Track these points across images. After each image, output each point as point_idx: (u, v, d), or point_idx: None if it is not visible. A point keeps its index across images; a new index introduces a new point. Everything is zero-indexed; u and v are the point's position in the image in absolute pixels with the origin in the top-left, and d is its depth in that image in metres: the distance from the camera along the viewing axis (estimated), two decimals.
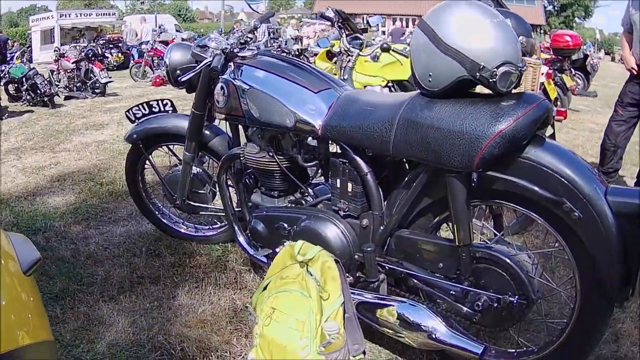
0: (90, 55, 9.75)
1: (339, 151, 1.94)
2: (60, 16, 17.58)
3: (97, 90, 9.57)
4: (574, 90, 8.07)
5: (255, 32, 2.46)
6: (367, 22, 5.49)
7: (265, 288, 1.88)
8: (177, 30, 21.15)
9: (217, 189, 2.50)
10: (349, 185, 1.89)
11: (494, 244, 1.80)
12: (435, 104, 1.66)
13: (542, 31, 31.24)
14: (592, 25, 50.60)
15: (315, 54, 4.57)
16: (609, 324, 2.24)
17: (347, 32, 3.62)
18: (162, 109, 2.76)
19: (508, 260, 1.69)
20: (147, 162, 2.90)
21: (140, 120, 2.80)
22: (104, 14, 19.22)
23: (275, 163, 2.10)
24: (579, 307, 1.69)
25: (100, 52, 14.29)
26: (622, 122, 4.05)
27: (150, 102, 2.79)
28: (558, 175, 1.54)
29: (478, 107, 1.58)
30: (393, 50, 3.72)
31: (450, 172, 1.64)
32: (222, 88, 2.19)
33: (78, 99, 9.35)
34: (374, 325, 1.91)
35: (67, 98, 9.34)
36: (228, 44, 2.20)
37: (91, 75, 9.62)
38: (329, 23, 3.75)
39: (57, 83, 9.64)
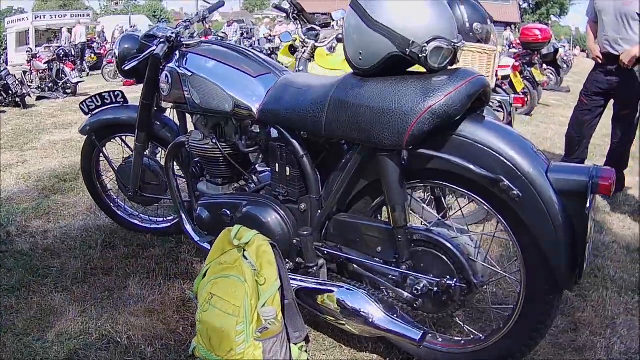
0: (61, 56, 9.67)
1: (277, 135, 1.93)
2: (35, 18, 17.45)
3: (68, 90, 9.51)
4: (544, 84, 8.14)
5: (204, 22, 2.46)
6: (330, 16, 5.50)
7: (205, 274, 1.87)
8: None
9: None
10: (287, 169, 1.87)
11: (434, 226, 1.76)
12: (366, 82, 1.64)
13: (516, 29, 31.49)
14: (567, 24, 51.17)
15: None
16: (562, 310, 2.27)
17: (302, 24, 3.61)
18: (114, 100, 2.75)
19: (446, 243, 1.66)
20: (101, 154, 2.89)
21: (93, 112, 2.78)
22: (78, 15, 19.05)
23: (218, 150, 2.09)
24: (524, 292, 1.65)
25: (73, 52, 14.25)
26: (586, 112, 4.07)
27: (103, 94, 2.77)
28: (495, 153, 1.51)
29: (408, 83, 1.55)
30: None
31: (382, 152, 1.61)
32: (166, 76, 2.18)
33: (49, 99, 9.31)
34: (316, 313, 1.88)
35: (39, 98, 9.29)
36: (173, 33, 2.20)
37: (62, 75, 9.55)
38: (284, 14, 3.74)
39: (29, 84, 9.57)
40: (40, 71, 9.74)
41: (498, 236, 1.81)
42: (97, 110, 2.77)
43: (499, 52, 3.08)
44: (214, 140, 2.10)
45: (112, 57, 12.21)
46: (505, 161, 1.49)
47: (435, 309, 1.72)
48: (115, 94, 2.75)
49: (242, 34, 14.19)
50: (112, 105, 2.76)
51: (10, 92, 8.19)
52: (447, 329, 2.06)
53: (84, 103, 2.80)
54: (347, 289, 1.78)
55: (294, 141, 1.83)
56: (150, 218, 2.99)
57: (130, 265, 2.63)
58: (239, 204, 2.01)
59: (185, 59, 2.14)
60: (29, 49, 10.81)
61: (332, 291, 1.79)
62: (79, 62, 13.16)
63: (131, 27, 15.34)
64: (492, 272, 1.84)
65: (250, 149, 2.05)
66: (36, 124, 6.83)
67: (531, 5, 44.67)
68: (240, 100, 1.94)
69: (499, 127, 1.59)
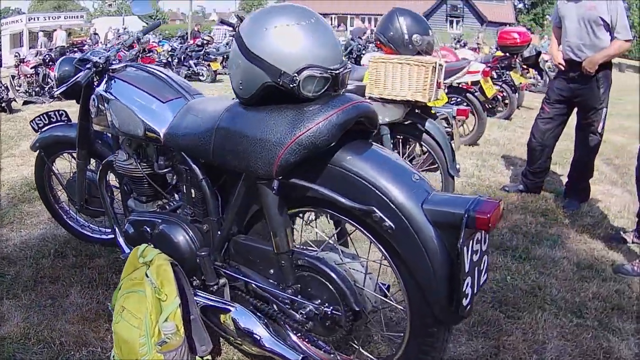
0: (47, 61, 9.81)
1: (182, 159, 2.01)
2: (29, 19, 17.54)
3: (55, 95, 9.60)
4: (523, 87, 8.18)
5: (137, 43, 2.59)
6: None
7: (120, 288, 2.01)
8: None
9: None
10: (192, 191, 1.96)
11: (325, 250, 1.79)
12: (247, 111, 1.68)
13: None
14: None
15: None
16: (485, 333, 2.28)
17: None
18: (59, 119, 2.90)
19: (328, 270, 1.67)
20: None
21: (42, 130, 2.93)
22: (72, 16, 19.13)
23: (139, 170, 2.19)
24: (410, 322, 1.64)
25: (53, 56, 14.32)
26: (548, 120, 4.03)
27: (49, 113, 2.92)
28: (367, 183, 1.49)
29: (282, 113, 1.57)
30: None
31: (260, 180, 1.65)
32: (93, 100, 2.31)
33: (36, 103, 9.42)
34: (219, 331, 1.96)
35: (25, 103, 9.41)
36: (102, 57, 2.32)
37: (49, 80, 9.69)
38: (231, 29, 3.87)
39: (17, 88, 9.71)
40: (28, 75, 9.87)
41: (385, 264, 1.72)
42: (45, 128, 2.92)
43: (440, 64, 3.17)
44: (136, 161, 2.21)
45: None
46: (378, 192, 1.48)
47: (326, 332, 1.75)
48: (60, 113, 2.90)
49: (232, 36, 14.26)
50: (59, 123, 2.90)
51: None
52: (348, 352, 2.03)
53: (33, 121, 2.94)
54: (240, 309, 1.86)
55: (194, 166, 1.90)
56: (100, 229, 3.13)
57: (76, 274, 2.78)
58: (156, 222, 2.10)
59: (110, 83, 2.26)
60: (16, 53, 10.95)
61: (229, 310, 1.87)
62: None
63: (124, 28, 15.36)
64: (382, 300, 1.81)
65: (165, 170, 2.15)
66: (19, 130, 6.90)
67: (527, 5, 44.41)
68: (150, 124, 2.02)
69: (378, 156, 1.58)
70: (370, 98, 3.14)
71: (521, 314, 2.46)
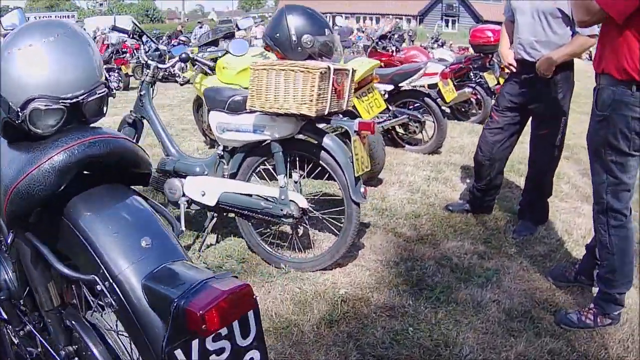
0: None
1: None
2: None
3: None
4: (499, 89, 7.65)
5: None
6: (237, 25, 5.21)
7: None
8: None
9: None
10: None
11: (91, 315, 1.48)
12: (8, 150, 1.37)
13: None
14: None
15: None
16: None
17: (144, 45, 3.34)
18: None
19: (94, 334, 1.41)
20: None
21: None
22: (63, 16, 18.85)
23: None
24: None
25: None
26: (497, 130, 3.42)
27: None
28: (91, 248, 1.19)
29: (16, 154, 1.29)
30: (195, 60, 3.43)
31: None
32: None
33: None
34: None
35: None
36: None
37: None
38: (125, 34, 3.46)
39: None
40: None
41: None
42: None
43: (343, 69, 2.65)
44: None
45: None
46: (100, 260, 1.18)
47: None
48: None
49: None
50: None
51: None
52: None
53: None
54: None
55: None
56: None
57: None
58: None
59: None
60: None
61: None
62: None
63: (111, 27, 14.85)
64: None
65: None
66: None
67: None
68: None
69: (115, 212, 1.26)
70: (251, 112, 2.69)
71: None
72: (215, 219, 3.06)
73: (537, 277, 2.84)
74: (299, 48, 2.59)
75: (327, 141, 2.66)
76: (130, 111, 3.28)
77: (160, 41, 14.13)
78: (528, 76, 3.22)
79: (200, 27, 14.64)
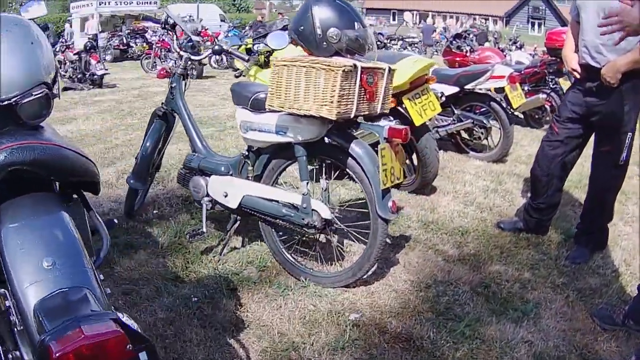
0: (88, 48, 9.78)
1: None
2: (100, 4, 17.73)
3: (96, 82, 9.63)
4: None
5: None
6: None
7: None
8: (221, 20, 21.05)
9: None
10: None
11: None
12: None
13: (503, 21, 29.70)
14: None
15: None
16: None
17: (177, 36, 3.19)
18: None
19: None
20: None
21: None
22: (145, 2, 19.21)
23: None
24: None
25: (125, 41, 14.49)
26: (557, 143, 3.09)
27: None
28: (2, 259, 1.14)
29: None
30: (229, 53, 3.22)
31: None
32: None
33: (75, 90, 9.42)
34: None
35: (64, 89, 9.38)
36: None
37: (89, 66, 9.66)
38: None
39: (63, 73, 9.75)
40: (72, 62, 9.88)
41: None
42: None
43: (355, 68, 2.37)
44: None
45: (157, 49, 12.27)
46: (6, 274, 1.11)
47: None
48: None
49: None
50: None
51: None
52: None
53: None
54: None
55: None
56: None
57: None
58: None
59: None
60: (62, 40, 10.96)
61: None
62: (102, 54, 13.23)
63: (188, 17, 14.95)
64: None
65: None
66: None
67: None
68: None
69: (28, 222, 1.18)
70: (271, 111, 2.48)
71: None
72: (238, 222, 2.91)
73: (581, 316, 2.49)
74: (324, 43, 2.34)
75: (354, 147, 2.43)
76: (162, 103, 3.17)
77: (243, 31, 14.22)
78: (592, 84, 2.87)
79: (282, 19, 14.57)
